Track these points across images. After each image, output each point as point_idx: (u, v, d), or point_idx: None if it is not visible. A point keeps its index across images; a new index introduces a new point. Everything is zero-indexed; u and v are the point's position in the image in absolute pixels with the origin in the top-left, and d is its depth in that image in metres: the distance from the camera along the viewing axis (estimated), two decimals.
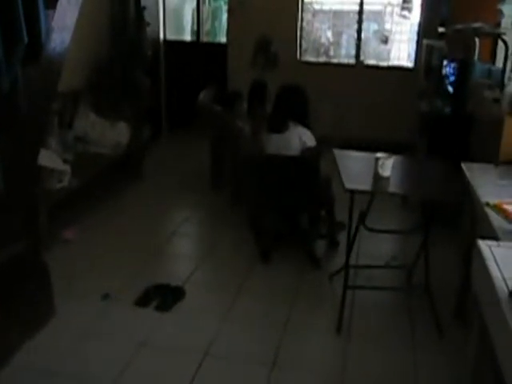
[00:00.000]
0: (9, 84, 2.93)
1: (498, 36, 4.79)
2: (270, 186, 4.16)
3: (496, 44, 5.25)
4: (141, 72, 6.16)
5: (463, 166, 3.20)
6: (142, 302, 3.51)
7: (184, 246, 4.60)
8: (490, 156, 3.42)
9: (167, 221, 5.04)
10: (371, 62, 7.49)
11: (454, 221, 4.26)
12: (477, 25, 4.76)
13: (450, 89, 4.89)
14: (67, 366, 2.93)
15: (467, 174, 3.07)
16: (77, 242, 4.33)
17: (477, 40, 4.69)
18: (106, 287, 3.65)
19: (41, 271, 3.32)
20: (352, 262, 3.71)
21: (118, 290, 3.64)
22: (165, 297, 3.54)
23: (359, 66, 7.34)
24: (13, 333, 2.97)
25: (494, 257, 1.85)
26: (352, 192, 3.11)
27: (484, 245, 1.95)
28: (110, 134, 5.34)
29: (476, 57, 4.79)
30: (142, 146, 5.95)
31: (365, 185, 3.19)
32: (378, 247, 4.36)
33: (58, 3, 3.16)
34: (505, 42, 4.55)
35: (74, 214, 4.69)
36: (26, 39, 2.92)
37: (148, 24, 6.45)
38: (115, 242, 4.39)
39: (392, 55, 7.77)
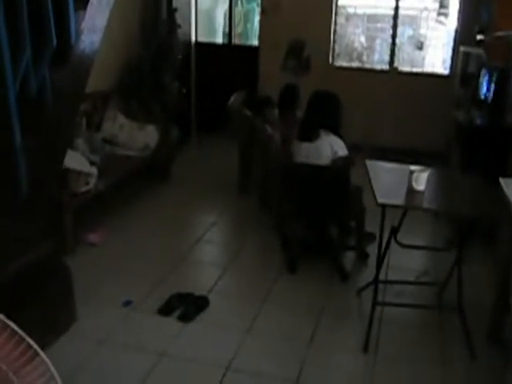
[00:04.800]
0: (37, 86, 2.90)
1: None
2: (299, 194, 4.06)
3: None
4: (171, 74, 6.11)
5: (501, 181, 3.06)
6: (165, 310, 3.44)
7: (209, 253, 4.52)
8: None
9: (194, 226, 4.98)
10: (405, 68, 7.34)
11: (489, 236, 4.13)
12: None
13: (488, 99, 4.74)
14: (87, 373, 2.88)
15: (506, 190, 2.94)
16: (102, 245, 4.29)
17: None
18: (128, 293, 3.60)
19: (63, 275, 3.27)
20: (381, 276, 3.57)
21: (140, 297, 3.58)
22: (188, 306, 3.46)
23: (393, 72, 7.20)
24: (33, 338, 2.92)
25: None
26: (384, 206, 2.99)
27: None
28: (138, 137, 5.31)
29: None
30: (170, 149, 5.90)
31: (398, 199, 3.07)
32: (408, 261, 4.23)
33: (89, 4, 3.11)
34: None
35: (99, 217, 4.67)
36: (55, 41, 2.88)
37: (179, 26, 6.41)
38: (140, 247, 4.34)
39: (427, 62, 7.62)
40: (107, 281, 3.79)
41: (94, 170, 4.33)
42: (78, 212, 4.14)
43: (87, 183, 4.25)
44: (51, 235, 3.26)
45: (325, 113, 4.04)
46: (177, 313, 3.43)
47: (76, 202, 4.13)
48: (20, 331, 1.85)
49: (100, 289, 3.68)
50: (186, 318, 3.38)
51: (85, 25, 3.13)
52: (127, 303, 3.51)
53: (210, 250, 4.57)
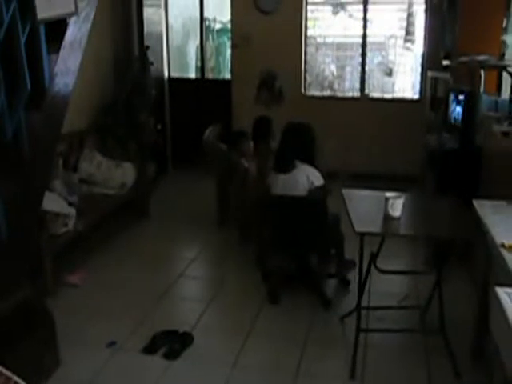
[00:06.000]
0: (12, 130, 2.92)
1: (504, 68, 4.76)
2: (277, 226, 4.10)
3: (501, 75, 5.24)
4: (145, 111, 6.16)
5: (475, 203, 3.12)
6: (150, 349, 3.42)
7: (191, 289, 4.52)
8: (501, 192, 3.35)
9: (174, 261, 4.97)
10: (376, 94, 7.47)
11: (467, 257, 4.20)
12: (482, 57, 4.74)
13: (458, 122, 4.84)
14: None
15: (479, 211, 3.00)
16: (83, 286, 4.26)
17: (482, 72, 4.66)
18: (112, 334, 3.57)
19: (45, 319, 3.25)
20: (364, 301, 3.61)
21: (124, 337, 3.56)
22: (173, 344, 3.44)
23: (364, 98, 7.32)
24: None
25: None
26: (362, 234, 3.05)
27: (503, 293, 1.87)
28: (115, 175, 5.32)
29: (482, 88, 4.76)
30: (147, 186, 5.91)
31: (375, 226, 3.13)
32: (389, 286, 4.26)
33: (61, 48, 3.16)
34: (511, 75, 4.52)
35: (79, 257, 4.64)
36: (29, 85, 2.91)
37: (152, 63, 6.47)
38: (122, 286, 4.32)
39: (396, 87, 7.75)
40: (90, 322, 3.76)
41: (72, 211, 4.33)
42: (57, 254, 4.12)
43: (66, 224, 4.24)
44: (32, 278, 3.25)
45: (299, 144, 4.10)
46: (162, 351, 3.41)
47: (55, 244, 4.11)
48: (6, 371, 1.84)
49: (83, 330, 3.64)
50: (171, 355, 3.37)
51: (58, 68, 3.17)
52: (111, 344, 3.48)
53: (192, 285, 4.56)
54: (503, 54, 5.35)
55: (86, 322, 3.75)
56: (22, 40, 2.86)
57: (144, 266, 4.73)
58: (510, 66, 4.74)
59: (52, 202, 4.11)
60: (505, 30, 5.36)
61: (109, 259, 4.78)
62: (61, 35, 3.17)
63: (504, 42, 5.35)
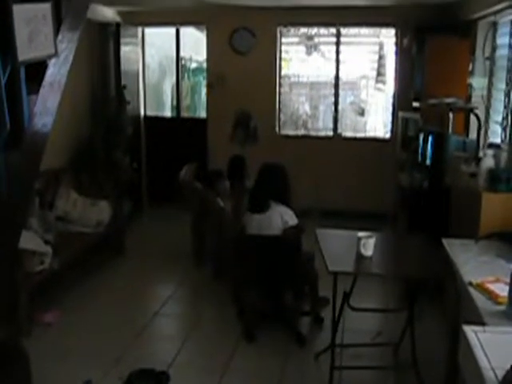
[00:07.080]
0: None
1: (471, 111, 4.94)
2: (252, 265, 4.15)
3: (469, 117, 5.42)
4: (121, 149, 6.21)
5: (444, 242, 3.22)
6: None
7: (167, 327, 4.53)
8: (469, 231, 3.46)
9: (150, 300, 4.98)
10: (349, 133, 7.60)
11: (439, 294, 4.28)
12: (450, 100, 4.92)
13: (428, 162, 4.97)
14: None
15: (448, 250, 3.09)
16: (58, 325, 4.24)
17: (451, 114, 4.82)
18: (88, 373, 3.55)
19: (20, 359, 3.22)
20: (338, 339, 3.66)
21: (100, 376, 3.55)
22: (149, 383, 3.44)
23: (337, 138, 7.45)
24: None
25: (481, 344, 1.84)
26: (336, 274, 3.12)
27: (470, 331, 1.94)
28: (91, 213, 5.33)
29: (450, 129, 4.92)
30: (123, 224, 5.93)
31: (348, 266, 3.21)
32: (363, 323, 4.31)
33: (41, 88, 3.21)
34: (477, 117, 4.69)
35: (55, 296, 4.63)
36: (8, 126, 2.95)
37: (128, 102, 6.55)
38: (98, 324, 4.31)
39: (368, 126, 7.91)
40: (65, 361, 3.74)
41: (48, 249, 4.33)
42: (33, 292, 4.11)
43: (42, 262, 4.24)
44: (6, 318, 3.23)
45: (273, 185, 4.19)
46: None
47: (31, 282, 4.11)
48: None
49: (58, 370, 3.62)
50: None
51: (37, 108, 3.21)
52: (87, 383, 3.46)
53: (168, 323, 4.57)
54: (470, 97, 5.55)
55: (62, 361, 3.73)
56: (3, 81, 2.91)
57: (120, 304, 4.72)
58: (476, 108, 4.92)
59: (28, 240, 4.11)
60: (471, 74, 5.58)
61: (84, 297, 4.77)
62: (41, 76, 3.23)
63: (470, 85, 5.56)
